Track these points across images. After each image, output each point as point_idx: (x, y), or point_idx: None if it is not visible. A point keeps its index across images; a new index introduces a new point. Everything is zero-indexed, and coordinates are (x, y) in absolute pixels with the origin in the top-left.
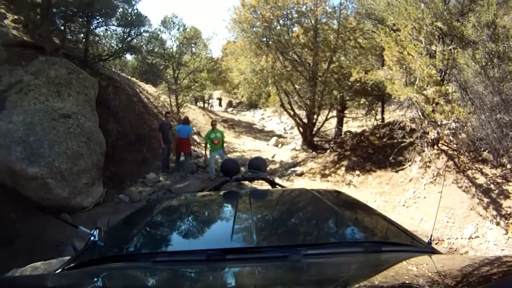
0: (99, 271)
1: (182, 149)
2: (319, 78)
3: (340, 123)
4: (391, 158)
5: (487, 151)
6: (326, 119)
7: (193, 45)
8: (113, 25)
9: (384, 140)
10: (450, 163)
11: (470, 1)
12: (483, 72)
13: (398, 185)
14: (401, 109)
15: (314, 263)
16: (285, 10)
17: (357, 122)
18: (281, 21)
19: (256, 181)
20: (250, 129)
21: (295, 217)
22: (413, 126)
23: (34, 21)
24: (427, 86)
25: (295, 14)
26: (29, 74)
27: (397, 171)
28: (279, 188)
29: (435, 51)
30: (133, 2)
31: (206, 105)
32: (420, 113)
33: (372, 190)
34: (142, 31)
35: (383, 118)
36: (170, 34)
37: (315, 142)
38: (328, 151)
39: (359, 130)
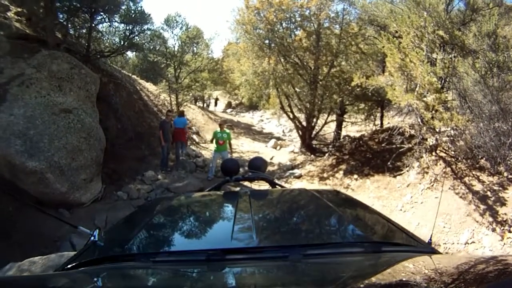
0: (99, 271)
1: (179, 138)
2: (320, 82)
3: (339, 127)
4: (389, 163)
5: (484, 158)
6: (325, 123)
7: (195, 44)
8: (116, 21)
9: (383, 145)
10: (448, 169)
11: (472, 11)
12: (482, 81)
13: (395, 189)
14: (400, 115)
15: (314, 263)
16: (289, 13)
17: (356, 127)
18: (284, 24)
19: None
20: (248, 131)
21: (295, 217)
22: (412, 132)
23: (37, 15)
24: (427, 93)
25: (299, 18)
26: (31, 67)
27: (395, 176)
28: (279, 188)
29: (435, 59)
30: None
31: (204, 104)
32: (419, 120)
33: (369, 194)
34: (145, 28)
35: (382, 124)
36: (172, 33)
37: (314, 146)
38: (327, 154)
39: (358, 134)
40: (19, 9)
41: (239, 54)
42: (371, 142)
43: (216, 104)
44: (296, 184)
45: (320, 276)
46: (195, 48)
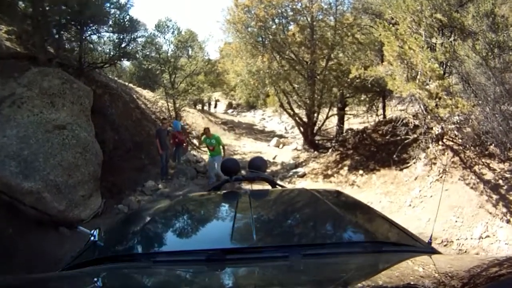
0: (99, 271)
1: (177, 141)
2: (318, 76)
3: (341, 121)
4: (395, 156)
5: (493, 145)
6: (327, 118)
7: (189, 48)
8: (107, 31)
9: (387, 137)
10: (456, 158)
11: None
12: (484, 62)
13: (403, 184)
14: (403, 104)
15: (314, 263)
16: (280, 8)
17: (358, 119)
18: (276, 20)
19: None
20: (250, 130)
21: (295, 217)
22: (416, 122)
23: (27, 32)
24: (429, 80)
25: (290, 12)
26: (22, 86)
27: (401, 169)
28: (279, 188)
29: (435, 44)
30: (126, 8)
31: (205, 107)
32: (423, 108)
33: (376, 190)
34: (135, 36)
35: (384, 114)
36: (164, 38)
37: (317, 142)
38: (330, 150)
39: (360, 127)
40: (9, 28)
41: (233, 54)
42: (375, 134)
43: (216, 105)
44: (300, 184)
45: (320, 276)
46: (189, 52)
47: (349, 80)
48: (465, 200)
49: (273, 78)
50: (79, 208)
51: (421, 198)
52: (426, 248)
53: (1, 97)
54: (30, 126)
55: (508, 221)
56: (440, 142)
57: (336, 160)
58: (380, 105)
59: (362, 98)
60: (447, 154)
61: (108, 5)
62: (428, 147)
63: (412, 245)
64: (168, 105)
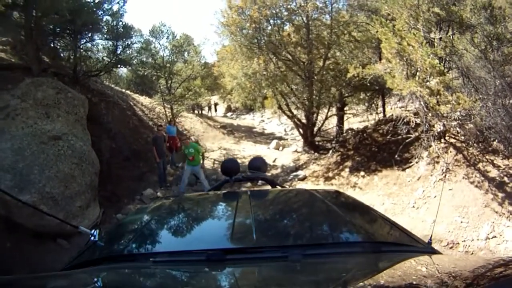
0: (99, 271)
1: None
2: (315, 77)
3: (340, 121)
4: (396, 155)
5: (497, 140)
6: (326, 118)
7: (185, 52)
8: (101, 39)
9: (388, 136)
10: (459, 156)
11: None
12: (483, 56)
13: (406, 184)
14: (403, 102)
15: (314, 263)
16: (274, 9)
17: (358, 118)
18: (271, 21)
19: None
20: (250, 133)
21: (295, 217)
22: (418, 120)
23: (22, 42)
24: (430, 77)
25: (285, 12)
26: (16, 97)
27: (404, 170)
28: (279, 188)
29: (433, 39)
30: (119, 14)
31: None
32: (423, 105)
33: (378, 192)
34: (130, 42)
35: (384, 113)
36: (159, 43)
37: (317, 143)
38: (330, 151)
39: (361, 126)
40: (3, 38)
41: (228, 57)
42: (376, 134)
43: (215, 109)
44: (300, 187)
45: (319, 276)
46: (186, 56)
47: (347, 79)
48: (470, 200)
49: (270, 80)
50: (77, 219)
51: (424, 198)
52: (426, 248)
53: None
54: (25, 138)
55: None
56: (443, 140)
57: (337, 161)
58: (380, 103)
59: (361, 97)
60: (450, 152)
61: (101, 12)
62: (430, 146)
63: (412, 245)
64: (165, 111)
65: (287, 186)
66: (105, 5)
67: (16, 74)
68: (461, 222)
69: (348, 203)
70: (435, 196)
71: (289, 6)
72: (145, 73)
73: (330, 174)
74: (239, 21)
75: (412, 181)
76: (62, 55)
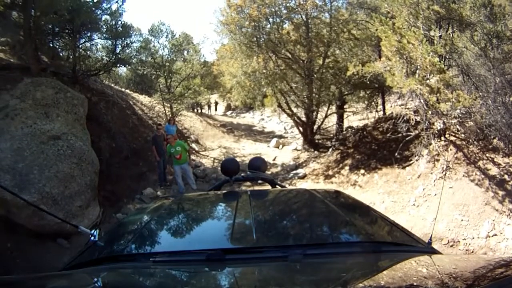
0: (99, 271)
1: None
2: (315, 75)
3: (340, 119)
4: (396, 153)
5: (497, 138)
6: (326, 116)
7: (184, 51)
8: (100, 38)
9: (388, 134)
10: (460, 154)
11: None
12: (483, 54)
13: (406, 182)
14: (403, 99)
15: (314, 263)
16: (274, 7)
17: (358, 116)
18: (270, 19)
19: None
20: (249, 132)
21: (295, 217)
22: (418, 118)
23: (20, 42)
24: (430, 75)
25: (284, 10)
26: (15, 98)
27: (404, 167)
28: (279, 188)
29: (433, 37)
30: (118, 14)
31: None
32: (423, 103)
33: (379, 190)
34: (129, 41)
35: (384, 110)
36: (158, 42)
37: (317, 141)
38: (330, 149)
39: (360, 124)
40: (2, 39)
41: (227, 56)
42: (375, 132)
43: (216, 108)
44: (300, 186)
45: (320, 276)
46: (185, 55)
47: (347, 77)
48: (470, 198)
49: (269, 78)
50: (76, 219)
51: (425, 196)
52: (426, 248)
53: None
54: (24, 138)
55: None
56: (443, 138)
57: (337, 159)
58: (380, 101)
59: (361, 95)
60: (450, 149)
61: (100, 11)
62: (430, 143)
63: (412, 245)
64: (165, 110)
65: (287, 185)
66: (104, 4)
67: (15, 74)
68: (462, 220)
69: (348, 203)
70: (435, 194)
71: (288, 4)
72: (145, 72)
73: (330, 172)
74: (238, 19)
75: (412, 179)
76: (61, 54)
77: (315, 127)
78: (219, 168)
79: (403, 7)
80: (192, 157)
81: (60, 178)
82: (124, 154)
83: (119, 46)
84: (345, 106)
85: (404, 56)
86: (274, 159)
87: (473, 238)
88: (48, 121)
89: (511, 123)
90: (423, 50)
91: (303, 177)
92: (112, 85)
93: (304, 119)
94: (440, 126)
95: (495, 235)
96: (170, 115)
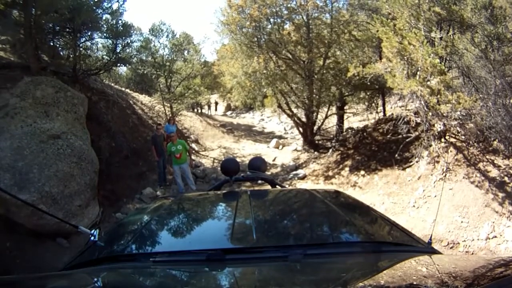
0: (99, 271)
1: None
2: (315, 76)
3: (340, 120)
4: (396, 155)
5: (497, 140)
6: (326, 117)
7: (184, 51)
8: (101, 37)
9: (388, 135)
10: (460, 156)
11: None
12: (484, 55)
13: (406, 184)
14: (403, 101)
15: (314, 263)
16: (274, 7)
17: (358, 117)
18: (271, 20)
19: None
20: (249, 132)
21: (295, 217)
22: (418, 120)
23: (21, 40)
24: (430, 76)
25: (285, 11)
26: (15, 96)
27: (404, 169)
28: (279, 188)
29: (434, 38)
30: (118, 13)
31: (204, 110)
32: (424, 104)
33: (379, 191)
34: (130, 41)
35: (384, 112)
36: (159, 42)
37: (317, 142)
38: (330, 150)
39: (361, 125)
40: (3, 37)
41: (228, 56)
42: (376, 133)
43: (216, 108)
44: (300, 186)
45: (320, 276)
46: (186, 54)
47: (347, 78)
48: (470, 199)
49: (269, 78)
50: (76, 218)
51: (425, 198)
52: (426, 248)
53: None
54: (24, 137)
55: None
56: (443, 139)
57: (337, 160)
58: (380, 102)
59: (361, 96)
60: (450, 151)
61: (100, 11)
62: (430, 145)
63: (412, 245)
64: (165, 109)
65: (287, 185)
66: (105, 4)
67: (15, 72)
68: (462, 222)
69: (348, 203)
70: (435, 196)
71: (289, 5)
72: (145, 72)
73: (330, 173)
74: (239, 19)
75: (412, 180)
76: (61, 53)
77: (315, 128)
78: (219, 168)
79: (404, 9)
80: (192, 157)
81: (59, 177)
82: (124, 154)
83: (120, 45)
84: (345, 107)
85: (405, 57)
86: (274, 160)
87: (473, 240)
88: (48, 120)
89: (511, 125)
90: (424, 52)
91: (303, 177)
92: (112, 84)
93: (304, 119)
94: (440, 127)
95: (495, 237)
96: (170, 115)
